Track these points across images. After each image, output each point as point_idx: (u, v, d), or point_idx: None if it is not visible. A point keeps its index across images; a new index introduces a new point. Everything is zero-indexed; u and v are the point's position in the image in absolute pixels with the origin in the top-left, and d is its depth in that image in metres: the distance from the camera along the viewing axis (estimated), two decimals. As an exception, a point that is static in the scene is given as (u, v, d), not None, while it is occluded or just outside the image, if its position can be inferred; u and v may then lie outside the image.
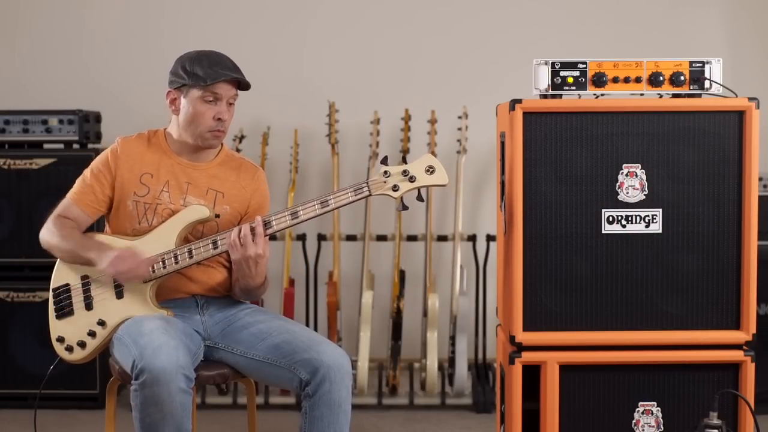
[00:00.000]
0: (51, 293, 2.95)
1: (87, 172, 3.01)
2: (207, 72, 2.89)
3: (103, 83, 5.04)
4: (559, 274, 3.08)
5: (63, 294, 2.92)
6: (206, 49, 2.98)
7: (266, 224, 2.83)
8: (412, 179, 2.83)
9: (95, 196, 2.97)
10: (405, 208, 2.87)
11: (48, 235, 2.96)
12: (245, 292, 2.98)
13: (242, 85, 2.96)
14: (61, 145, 4.43)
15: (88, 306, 2.90)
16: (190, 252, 2.86)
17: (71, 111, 4.41)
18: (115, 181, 2.97)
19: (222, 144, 3.06)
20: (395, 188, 2.83)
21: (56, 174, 4.33)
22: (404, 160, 2.89)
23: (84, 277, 2.92)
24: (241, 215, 3.03)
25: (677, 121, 3.05)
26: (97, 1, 5.12)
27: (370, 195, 2.84)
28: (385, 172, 2.84)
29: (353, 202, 2.85)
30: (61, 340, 2.92)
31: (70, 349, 2.92)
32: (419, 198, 2.88)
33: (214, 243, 2.86)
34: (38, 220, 4.29)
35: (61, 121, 4.40)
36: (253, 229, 2.81)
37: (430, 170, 2.84)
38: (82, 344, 2.90)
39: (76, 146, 4.44)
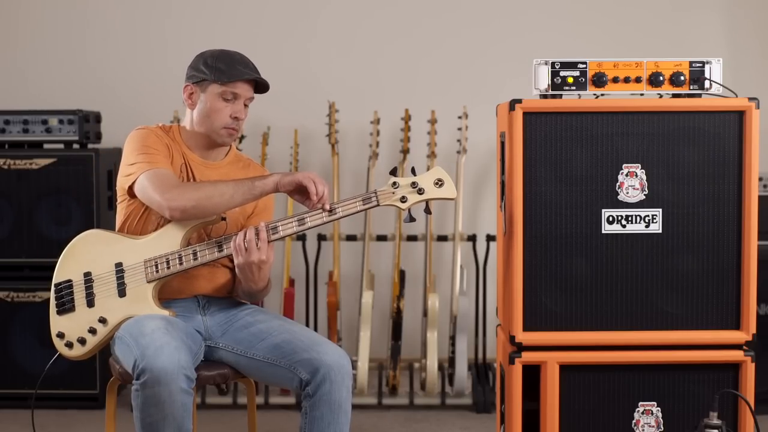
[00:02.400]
0: (53, 288, 2.93)
1: (139, 149, 2.86)
2: (229, 69, 2.90)
3: (103, 83, 5.04)
4: (559, 274, 3.08)
5: (65, 290, 2.91)
6: (229, 49, 2.98)
7: (273, 230, 2.82)
8: (420, 191, 2.83)
9: (165, 158, 2.88)
10: (412, 219, 2.86)
11: (185, 195, 2.77)
12: (247, 295, 2.97)
13: (260, 87, 2.97)
14: (61, 145, 4.43)
15: (90, 303, 2.89)
16: (194, 254, 2.85)
17: (71, 111, 4.41)
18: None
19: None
20: (403, 200, 2.83)
21: (56, 174, 4.33)
22: (413, 172, 2.87)
23: (86, 274, 2.91)
24: (247, 215, 3.02)
25: (677, 121, 3.05)
26: (98, 1, 5.12)
27: (378, 205, 2.84)
28: (394, 183, 2.83)
29: (361, 211, 2.85)
30: (61, 335, 2.91)
31: (69, 345, 2.91)
32: (427, 210, 2.88)
33: (219, 246, 2.85)
34: (38, 220, 4.36)
35: (61, 121, 4.39)
36: (257, 234, 2.80)
37: (439, 183, 2.84)
38: (82, 341, 2.89)
39: (76, 146, 4.44)
